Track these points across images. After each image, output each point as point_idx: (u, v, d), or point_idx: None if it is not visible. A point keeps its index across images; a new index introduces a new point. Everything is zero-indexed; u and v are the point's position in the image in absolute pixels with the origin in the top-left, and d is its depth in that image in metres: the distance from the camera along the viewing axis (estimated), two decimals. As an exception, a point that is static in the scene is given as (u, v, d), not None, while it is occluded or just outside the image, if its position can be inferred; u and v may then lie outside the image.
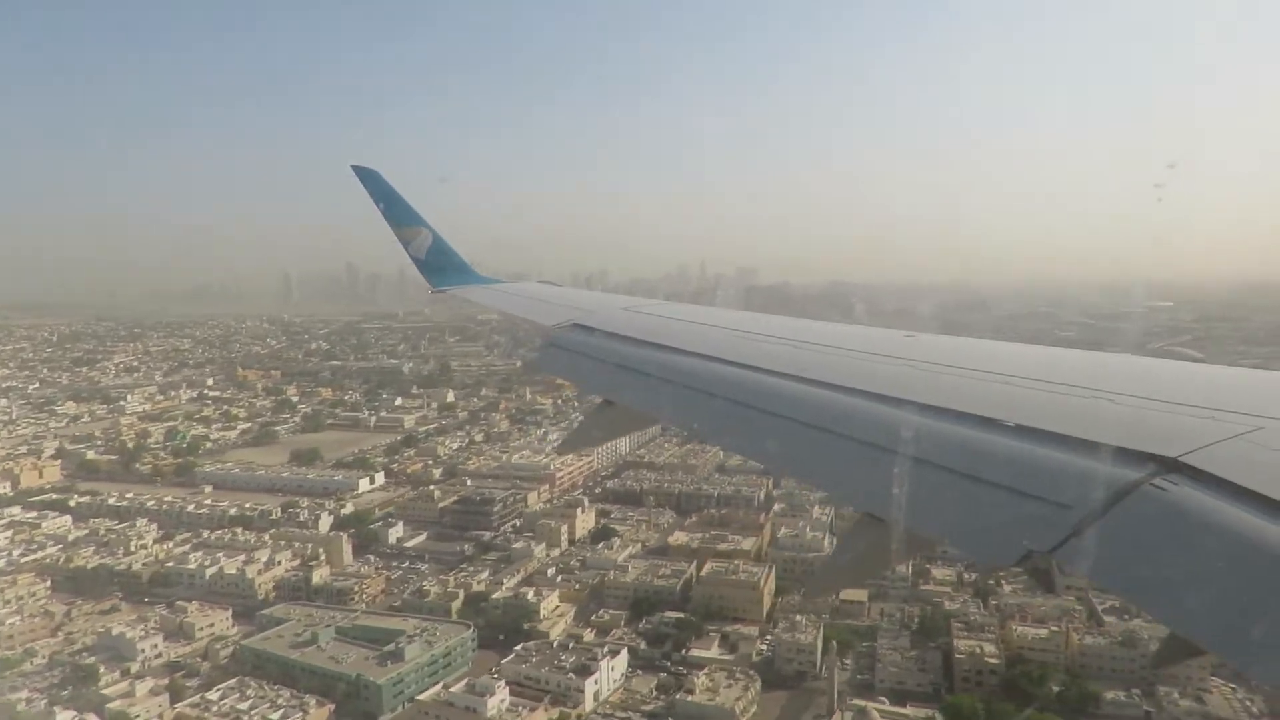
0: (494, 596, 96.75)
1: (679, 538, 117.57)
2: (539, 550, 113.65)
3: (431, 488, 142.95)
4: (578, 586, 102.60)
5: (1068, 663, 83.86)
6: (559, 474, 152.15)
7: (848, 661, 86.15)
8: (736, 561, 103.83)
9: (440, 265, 20.24)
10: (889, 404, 6.89)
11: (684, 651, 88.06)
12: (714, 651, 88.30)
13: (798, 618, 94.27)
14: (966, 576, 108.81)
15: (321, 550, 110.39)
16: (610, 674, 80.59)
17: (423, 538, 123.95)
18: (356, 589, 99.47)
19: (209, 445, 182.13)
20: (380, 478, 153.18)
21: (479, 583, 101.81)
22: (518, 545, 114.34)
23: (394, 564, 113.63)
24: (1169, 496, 4.55)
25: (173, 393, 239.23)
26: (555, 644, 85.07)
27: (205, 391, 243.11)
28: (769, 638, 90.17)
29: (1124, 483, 4.74)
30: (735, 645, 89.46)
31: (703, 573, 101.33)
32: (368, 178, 19.51)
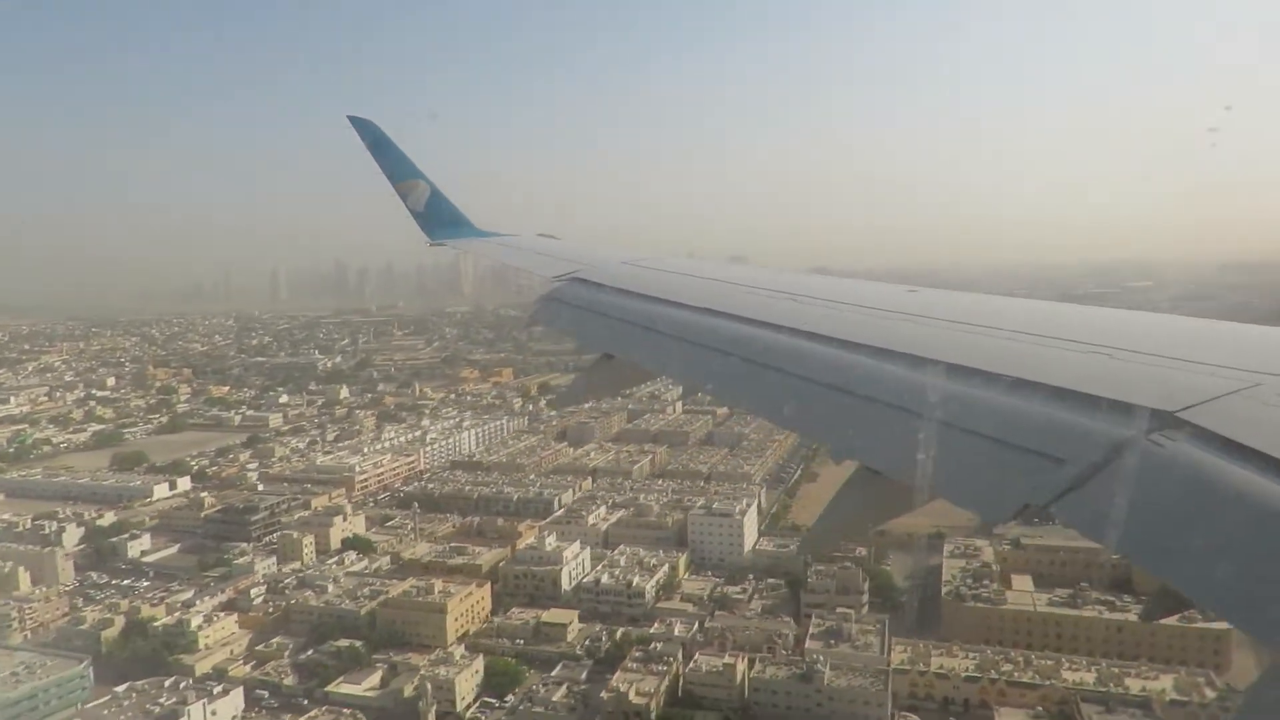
0: (157, 623, 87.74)
1: (419, 550, 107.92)
2: (264, 565, 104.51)
3: (203, 494, 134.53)
4: (271, 610, 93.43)
5: (735, 700, 73.14)
6: (371, 476, 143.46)
7: (507, 699, 76.01)
8: (437, 580, 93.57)
9: (438, 218, 19.85)
10: (889, 358, 6.85)
11: (328, 687, 78.46)
12: (367, 685, 78.67)
13: (488, 640, 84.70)
14: (718, 592, 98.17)
15: (23, 569, 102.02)
16: (208, 718, 71.34)
17: (173, 550, 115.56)
18: (17, 616, 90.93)
19: (47, 449, 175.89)
20: (185, 483, 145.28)
21: (160, 606, 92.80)
22: (240, 560, 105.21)
23: (116, 581, 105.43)
24: (1167, 452, 4.52)
25: (59, 394, 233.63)
26: (166, 683, 75.76)
27: (95, 393, 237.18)
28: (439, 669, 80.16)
29: (1122, 438, 4.71)
30: (388, 680, 79.70)
31: (396, 593, 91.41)
32: (364, 129, 18.89)
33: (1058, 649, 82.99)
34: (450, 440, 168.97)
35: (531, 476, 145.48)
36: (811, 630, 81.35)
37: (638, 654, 78.07)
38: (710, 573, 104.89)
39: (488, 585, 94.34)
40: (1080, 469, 4.60)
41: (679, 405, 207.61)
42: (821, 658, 75.89)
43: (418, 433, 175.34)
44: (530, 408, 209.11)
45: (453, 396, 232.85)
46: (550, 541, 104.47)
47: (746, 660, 76.29)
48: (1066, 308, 8.92)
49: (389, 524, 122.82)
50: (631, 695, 70.51)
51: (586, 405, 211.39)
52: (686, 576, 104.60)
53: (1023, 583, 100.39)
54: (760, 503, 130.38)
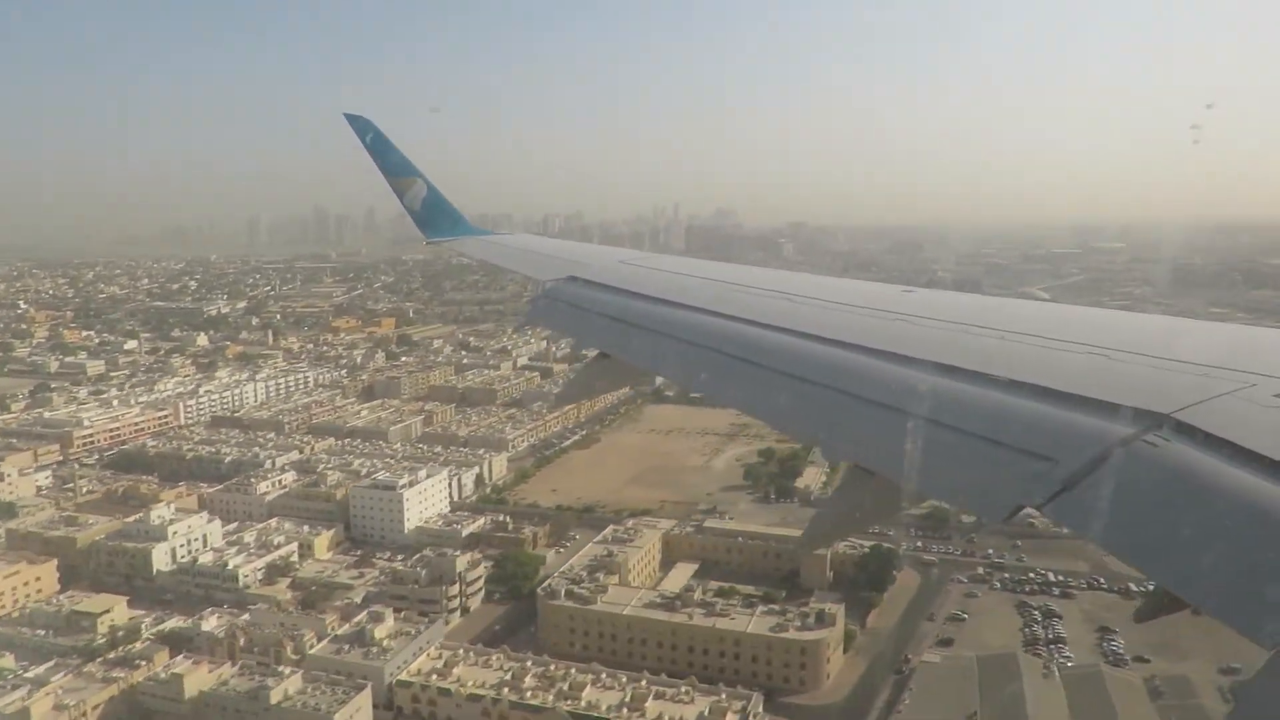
0: None
1: (39, 518, 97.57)
2: None
3: None
4: None
5: (185, 715, 62.18)
6: (102, 431, 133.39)
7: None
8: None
9: (434, 217, 19.63)
10: (883, 358, 6.89)
11: None
12: None
13: None
14: (332, 576, 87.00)
15: None
16: None
17: None
18: None
19: None
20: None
21: None
22: None
23: None
24: (1161, 452, 4.53)
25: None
26: None
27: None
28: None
29: (1117, 438, 4.71)
30: None
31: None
32: (361, 127, 18.42)
33: (643, 657, 71.26)
34: (233, 393, 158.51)
35: (278, 436, 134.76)
36: (334, 631, 70.04)
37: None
38: (371, 552, 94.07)
39: (52, 563, 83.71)
40: (1074, 469, 4.59)
41: (517, 361, 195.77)
42: (320, 666, 64.92)
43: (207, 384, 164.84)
44: (369, 361, 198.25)
45: (310, 346, 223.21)
46: (200, 516, 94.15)
47: (237, 666, 65.34)
48: (1062, 308, 10.16)
49: (66, 487, 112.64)
50: (41, 710, 59.72)
51: (408, 360, 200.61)
52: (331, 556, 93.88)
53: (680, 574, 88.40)
54: (486, 471, 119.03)
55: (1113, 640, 76.33)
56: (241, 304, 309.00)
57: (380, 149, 18.66)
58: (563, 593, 75.99)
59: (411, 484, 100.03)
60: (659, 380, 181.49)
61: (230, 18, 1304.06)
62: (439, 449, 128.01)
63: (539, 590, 78.27)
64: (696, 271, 13.21)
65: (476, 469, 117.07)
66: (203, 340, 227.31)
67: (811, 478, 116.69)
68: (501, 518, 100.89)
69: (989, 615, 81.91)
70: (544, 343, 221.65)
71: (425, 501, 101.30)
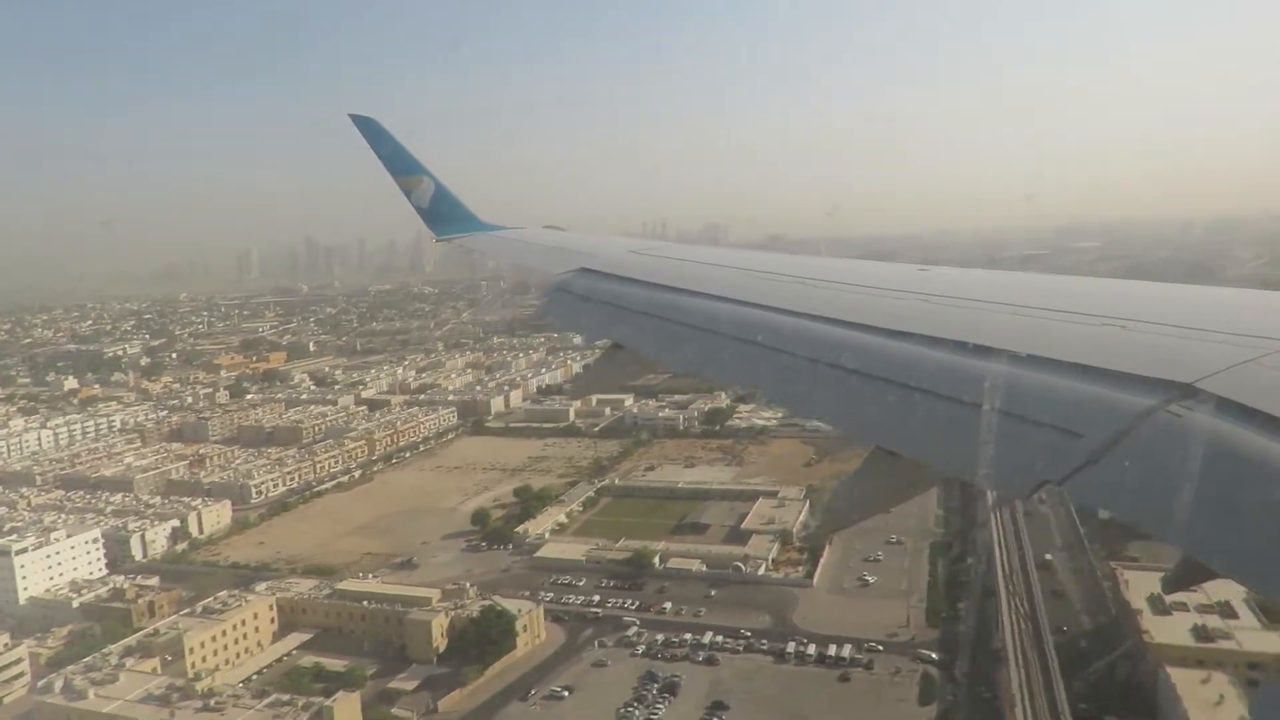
0: None
1: None
2: None
3: None
4: None
5: None
6: None
7: None
8: None
9: (443, 214, 19.53)
10: (901, 338, 6.78)
11: None
12: None
13: None
14: None
15: None
16: None
17: None
18: None
19: None
20: None
21: None
22: None
23: None
24: (1184, 422, 4.46)
25: None
26: None
27: None
28: None
29: (1139, 409, 4.65)
30: None
31: None
32: (366, 127, 18.46)
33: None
34: (17, 441, 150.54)
35: (25, 489, 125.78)
36: None
37: None
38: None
39: None
40: (1098, 443, 4.51)
41: (361, 394, 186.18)
42: None
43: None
44: (210, 401, 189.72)
45: (177, 386, 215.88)
46: None
47: None
48: (1079, 281, 8.88)
49: None
50: None
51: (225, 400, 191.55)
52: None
53: (283, 646, 76.73)
54: (196, 523, 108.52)
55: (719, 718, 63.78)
56: (157, 343, 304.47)
57: (386, 148, 18.58)
58: (57, 687, 64.83)
59: (40, 545, 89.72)
60: (499, 408, 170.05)
61: (243, 53, 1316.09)
62: (178, 498, 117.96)
63: (39, 683, 67.21)
64: (709, 259, 12.76)
65: (174, 523, 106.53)
66: (70, 383, 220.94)
67: (543, 523, 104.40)
68: (126, 584, 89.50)
69: (601, 689, 68.94)
70: (410, 371, 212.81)
71: (63, 565, 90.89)
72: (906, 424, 5.76)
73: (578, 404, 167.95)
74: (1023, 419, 5.06)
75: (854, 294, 8.83)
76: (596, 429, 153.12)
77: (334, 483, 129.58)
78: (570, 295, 11.81)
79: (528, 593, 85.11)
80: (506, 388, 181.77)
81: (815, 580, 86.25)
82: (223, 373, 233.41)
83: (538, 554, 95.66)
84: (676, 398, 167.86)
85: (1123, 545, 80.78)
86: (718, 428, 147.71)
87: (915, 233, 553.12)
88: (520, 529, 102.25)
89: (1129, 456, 4.37)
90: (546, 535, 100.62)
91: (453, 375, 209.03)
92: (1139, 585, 68.63)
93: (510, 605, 77.90)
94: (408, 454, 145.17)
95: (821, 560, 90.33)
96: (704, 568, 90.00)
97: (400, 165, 18.95)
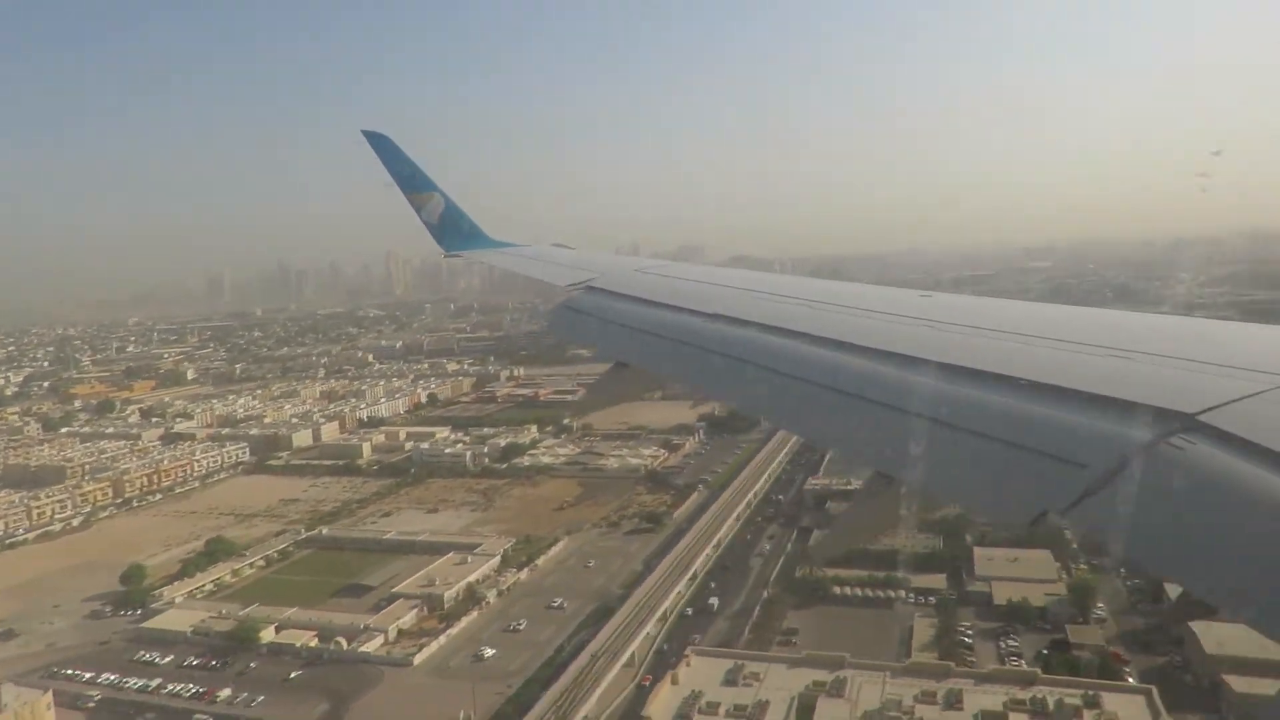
0: None
1: None
2: None
3: None
4: None
5: None
6: None
7: None
8: None
9: (452, 230, 19.62)
10: (904, 363, 6.70)
11: None
12: None
13: None
14: None
15: None
16: None
17: None
18: None
19: None
20: None
21: None
22: None
23: None
24: (1187, 455, 4.40)
25: None
26: None
27: None
28: None
29: (1141, 441, 4.59)
30: None
31: None
32: (379, 143, 18.51)
33: None
34: None
35: None
36: None
37: None
38: None
39: None
40: (1098, 473, 4.48)
41: (173, 427, 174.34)
42: None
43: None
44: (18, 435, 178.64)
45: (13, 416, 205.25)
46: None
47: None
48: (1083, 311, 8.85)
49: None
50: None
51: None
52: None
53: None
54: None
55: None
56: (48, 370, 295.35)
57: (397, 164, 18.65)
58: None
59: None
60: (302, 442, 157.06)
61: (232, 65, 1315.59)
62: None
63: None
64: (715, 279, 12.61)
65: None
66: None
67: (190, 584, 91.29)
68: None
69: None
70: (258, 400, 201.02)
71: None
72: (908, 450, 5.60)
73: (380, 438, 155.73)
74: (1024, 447, 4.98)
75: (858, 317, 8.68)
76: (375, 467, 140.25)
77: (41, 531, 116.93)
78: (576, 313, 11.87)
79: (87, 670, 72.24)
80: (321, 420, 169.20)
81: (420, 658, 72.54)
82: (77, 403, 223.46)
83: (146, 624, 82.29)
84: (487, 430, 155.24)
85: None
86: (504, 466, 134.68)
87: (881, 252, 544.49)
88: (158, 591, 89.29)
89: (1129, 487, 4.30)
90: (177, 600, 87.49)
91: (298, 404, 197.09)
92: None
93: (13, 693, 65.15)
94: (158, 495, 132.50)
95: (451, 631, 76.89)
96: (314, 641, 76.66)
97: (411, 181, 18.88)
